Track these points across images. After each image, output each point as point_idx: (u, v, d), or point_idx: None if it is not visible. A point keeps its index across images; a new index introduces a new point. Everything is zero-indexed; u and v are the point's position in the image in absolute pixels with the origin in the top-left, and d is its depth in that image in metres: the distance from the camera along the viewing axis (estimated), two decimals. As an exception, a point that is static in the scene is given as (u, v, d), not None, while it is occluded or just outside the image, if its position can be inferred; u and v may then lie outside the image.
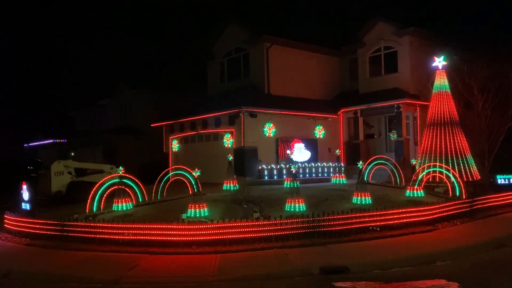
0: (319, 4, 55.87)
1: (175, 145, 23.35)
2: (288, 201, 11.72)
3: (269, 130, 19.55)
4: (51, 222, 10.59)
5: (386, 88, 21.13)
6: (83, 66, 68.33)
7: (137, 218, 10.76)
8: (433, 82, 17.21)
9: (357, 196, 12.57)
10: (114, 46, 66.63)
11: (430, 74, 17.76)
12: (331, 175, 18.53)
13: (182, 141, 23.27)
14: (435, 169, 14.46)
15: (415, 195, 13.47)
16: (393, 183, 16.23)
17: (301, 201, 11.64)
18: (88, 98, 39.87)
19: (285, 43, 22.22)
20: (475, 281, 7.09)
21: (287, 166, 17.80)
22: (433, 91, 17.08)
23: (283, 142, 19.95)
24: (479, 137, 17.65)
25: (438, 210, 11.54)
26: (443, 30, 20.01)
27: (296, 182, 12.31)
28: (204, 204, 11.40)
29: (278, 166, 18.63)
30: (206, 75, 25.73)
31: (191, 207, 11.24)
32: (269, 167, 18.54)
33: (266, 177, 18.36)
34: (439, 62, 16.95)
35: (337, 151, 19.14)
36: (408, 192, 13.73)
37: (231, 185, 16.00)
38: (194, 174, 12.29)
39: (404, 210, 10.93)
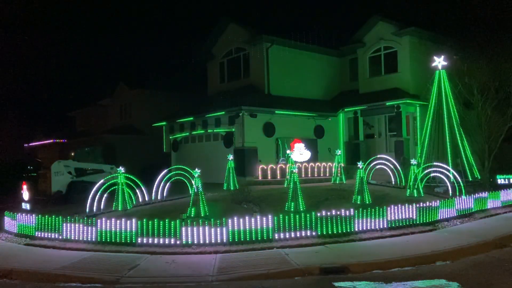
0: (319, 4, 55.89)
1: (175, 145, 23.31)
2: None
3: (269, 130, 19.54)
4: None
5: (386, 88, 21.13)
6: (83, 66, 68.32)
7: (137, 218, 10.74)
8: (433, 81, 17.22)
9: (357, 196, 12.58)
10: (115, 46, 66.64)
11: (430, 74, 17.74)
12: (331, 175, 18.52)
13: (182, 141, 23.25)
14: (435, 169, 14.47)
15: (415, 195, 13.50)
16: (393, 183, 16.23)
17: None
18: (88, 98, 39.91)
19: (285, 43, 22.21)
20: (475, 281, 7.08)
21: (287, 166, 17.79)
22: (433, 91, 17.09)
23: (283, 142, 19.95)
24: (479, 137, 17.63)
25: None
26: (443, 30, 19.96)
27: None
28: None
29: (278, 166, 18.62)
30: (206, 75, 25.72)
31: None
32: (269, 167, 18.54)
33: (266, 177, 18.36)
34: (439, 62, 16.96)
35: (337, 151, 19.13)
36: (408, 192, 13.76)
37: (231, 185, 15.99)
38: (194, 173, 12.26)
39: (405, 209, 10.93)
